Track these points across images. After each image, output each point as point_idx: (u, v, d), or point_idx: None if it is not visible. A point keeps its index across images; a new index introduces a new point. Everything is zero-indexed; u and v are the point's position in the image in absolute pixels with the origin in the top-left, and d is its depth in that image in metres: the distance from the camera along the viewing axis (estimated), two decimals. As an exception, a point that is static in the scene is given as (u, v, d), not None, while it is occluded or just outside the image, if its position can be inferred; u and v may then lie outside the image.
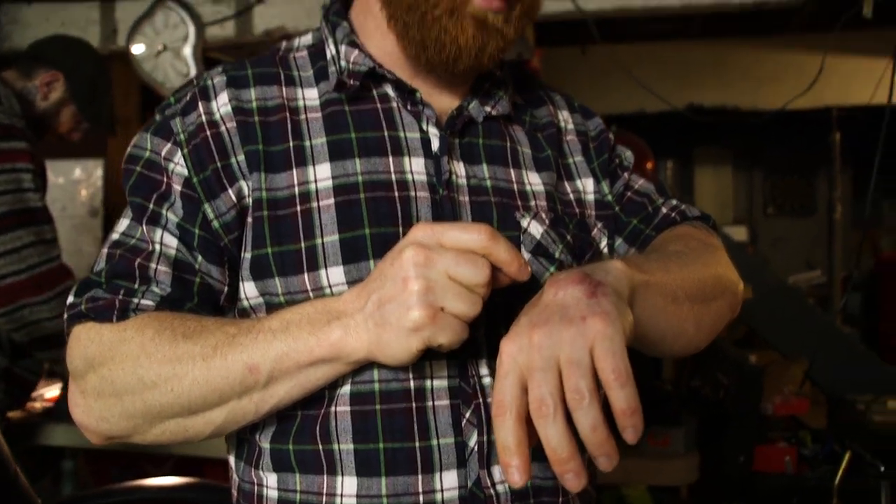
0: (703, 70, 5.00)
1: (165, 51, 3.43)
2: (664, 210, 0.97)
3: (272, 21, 3.37)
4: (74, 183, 3.94)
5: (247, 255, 0.81)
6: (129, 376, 0.73)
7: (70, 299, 0.80)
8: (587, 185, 0.95)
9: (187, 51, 3.40)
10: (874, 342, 6.11)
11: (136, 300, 0.76)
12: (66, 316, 0.80)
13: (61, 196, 3.93)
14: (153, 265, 0.78)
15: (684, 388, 2.68)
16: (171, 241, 0.80)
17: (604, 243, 0.94)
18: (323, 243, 0.78)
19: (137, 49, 3.47)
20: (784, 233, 7.52)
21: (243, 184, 0.81)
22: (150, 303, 0.76)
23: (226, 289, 0.82)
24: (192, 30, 3.39)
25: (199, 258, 0.80)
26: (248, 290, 0.81)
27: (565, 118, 0.98)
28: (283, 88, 0.85)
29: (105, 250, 0.81)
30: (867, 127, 5.87)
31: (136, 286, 0.77)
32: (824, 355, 3.72)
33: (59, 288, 1.91)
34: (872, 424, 2.53)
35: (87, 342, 0.76)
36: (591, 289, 0.62)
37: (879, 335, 6.01)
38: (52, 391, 2.37)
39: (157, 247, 0.79)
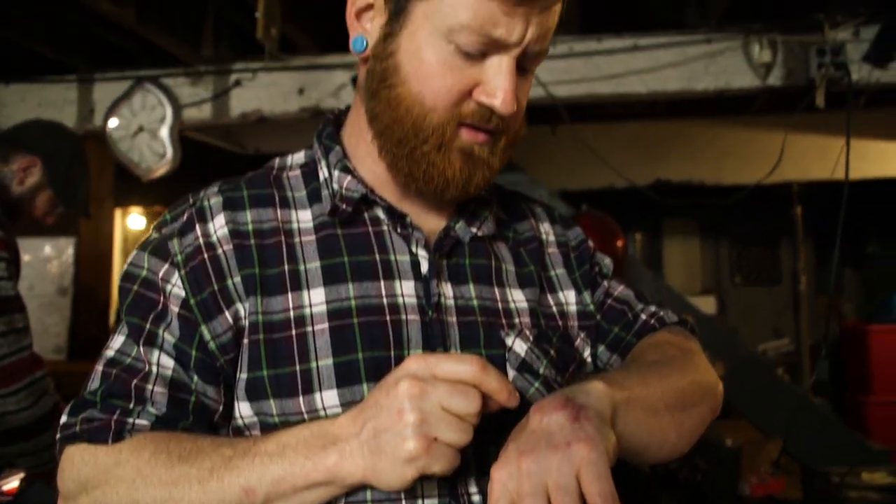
0: (670, 147, 5.17)
1: (142, 131, 3.46)
2: (643, 317, 1.00)
3: (249, 104, 3.43)
4: (44, 261, 3.90)
5: (242, 377, 0.82)
6: (124, 500, 0.73)
7: (63, 419, 0.79)
8: (569, 296, 0.98)
9: (164, 132, 3.43)
10: (842, 410, 6.17)
11: (131, 420, 0.77)
12: (59, 436, 0.79)
13: (30, 274, 3.88)
14: (150, 386, 0.79)
15: (662, 472, 2.68)
16: (168, 362, 0.80)
17: (587, 353, 0.97)
18: (318, 367, 0.80)
19: (114, 129, 3.49)
20: (752, 302, 7.65)
21: (240, 306, 0.82)
22: (145, 423, 0.77)
23: (220, 407, 0.83)
24: (169, 111, 3.44)
25: (196, 378, 0.81)
26: (243, 410, 0.82)
27: (546, 230, 1.03)
28: (279, 211, 0.88)
29: (100, 368, 0.81)
30: (826, 200, 6.09)
31: (132, 406, 0.78)
32: (798, 428, 3.75)
33: (28, 379, 1.87)
34: (848, 501, 2.54)
35: (80, 464, 0.76)
36: (574, 413, 0.65)
37: (846, 402, 6.06)
38: (10, 483, 2.28)
39: (154, 368, 0.80)
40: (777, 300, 7.56)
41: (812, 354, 5.89)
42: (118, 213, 5.63)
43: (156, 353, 0.81)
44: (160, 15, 3.12)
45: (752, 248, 7.76)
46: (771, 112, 4.73)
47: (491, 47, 0.78)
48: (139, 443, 0.75)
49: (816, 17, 3.00)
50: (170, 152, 3.44)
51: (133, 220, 6.65)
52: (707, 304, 5.87)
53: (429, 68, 0.79)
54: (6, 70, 3.66)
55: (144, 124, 3.45)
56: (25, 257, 3.80)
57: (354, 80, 3.23)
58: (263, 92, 3.41)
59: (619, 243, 3.61)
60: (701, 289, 7.56)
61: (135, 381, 0.79)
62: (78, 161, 2.20)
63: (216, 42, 3.40)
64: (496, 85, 0.79)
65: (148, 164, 3.47)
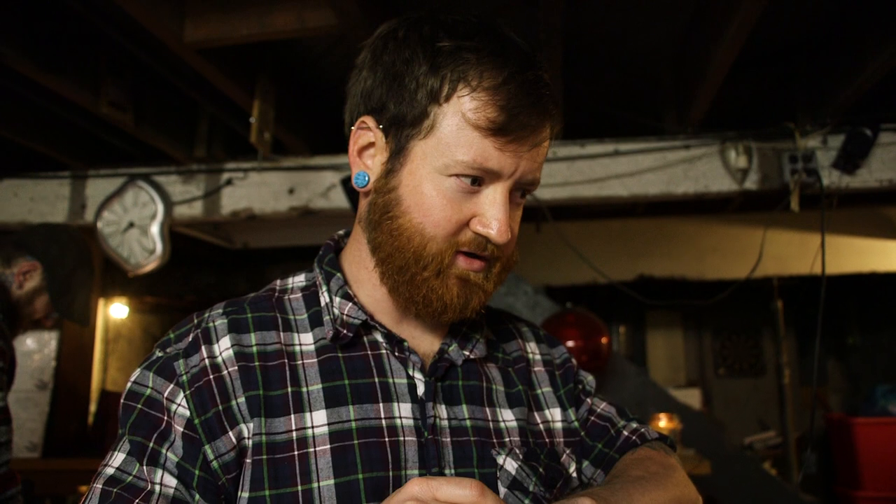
0: (651, 243, 5.28)
1: (133, 227, 3.49)
2: (625, 433, 1.06)
3: (239, 202, 3.48)
4: (25, 355, 3.84)
5: (244, 496, 0.83)
6: None
7: None
8: (555, 414, 1.03)
9: (155, 228, 3.47)
10: (833, 502, 6.09)
11: None
12: None
13: (10, 368, 3.81)
14: None
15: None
16: (171, 481, 0.81)
17: (573, 468, 1.01)
18: (319, 487, 0.82)
19: (105, 225, 3.52)
20: (736, 393, 7.65)
21: (244, 426, 0.84)
22: None
23: None
24: (160, 208, 3.48)
25: (197, 497, 0.82)
26: None
27: (533, 350, 1.08)
28: (281, 334, 0.91)
29: (98, 486, 0.82)
30: (807, 293, 6.18)
31: None
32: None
33: (3, 497, 1.83)
34: None
35: None
36: None
37: (837, 498, 5.99)
38: None
39: (157, 487, 0.81)
40: (762, 392, 7.56)
41: (798, 447, 5.86)
42: (101, 302, 5.60)
43: (159, 472, 0.81)
44: (156, 117, 3.21)
45: (736, 339, 7.82)
46: (749, 210, 4.87)
47: (485, 175, 0.84)
48: None
49: (787, 126, 3.14)
50: (159, 248, 3.47)
51: (115, 310, 6.61)
52: (692, 397, 5.86)
53: (429, 201, 0.85)
54: (0, 166, 3.71)
55: (135, 220, 3.49)
56: (6, 351, 3.76)
57: (343, 182, 3.32)
58: (254, 191, 3.47)
59: (604, 340, 3.65)
60: (686, 381, 7.56)
61: (136, 501, 0.79)
62: (81, 269, 2.21)
63: (209, 143, 3.48)
64: (491, 216, 0.85)
65: (137, 259, 3.49)
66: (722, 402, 7.57)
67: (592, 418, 1.06)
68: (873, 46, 2.63)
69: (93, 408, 4.33)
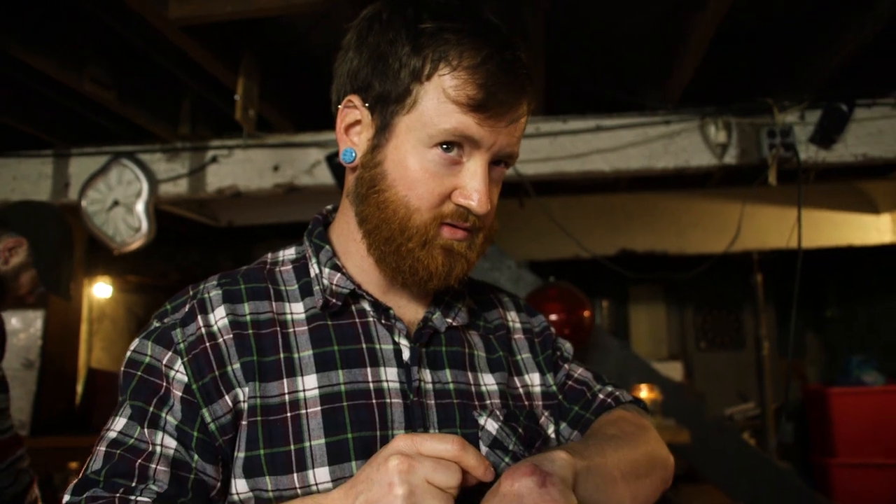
0: (633, 218, 5.35)
1: (117, 206, 3.49)
2: (601, 396, 1.11)
3: (224, 180, 3.49)
4: (11, 334, 3.84)
5: (240, 455, 0.88)
6: None
7: (67, 498, 0.84)
8: (534, 378, 1.09)
9: (140, 206, 3.47)
10: (808, 472, 6.25)
11: (133, 497, 0.81)
12: None
13: (-4, 347, 3.81)
14: (153, 465, 0.84)
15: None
16: (171, 443, 0.86)
17: (551, 429, 1.07)
18: (311, 446, 0.87)
19: (89, 204, 3.52)
20: (717, 366, 7.79)
21: (239, 391, 0.89)
22: (147, 500, 0.82)
23: (218, 484, 0.88)
24: (145, 186, 3.48)
25: (196, 457, 0.86)
26: (240, 487, 0.88)
27: (513, 319, 1.14)
28: (273, 303, 0.96)
29: (102, 449, 0.86)
30: (785, 267, 6.29)
31: (135, 484, 0.83)
32: (765, 493, 3.81)
33: (10, 459, 1.89)
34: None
35: None
36: (542, 479, 0.74)
37: (813, 465, 6.14)
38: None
39: (158, 448, 0.85)
40: (741, 364, 7.70)
41: (776, 417, 5.99)
42: (84, 282, 5.58)
43: (159, 434, 0.86)
44: (140, 95, 3.20)
45: (717, 313, 7.94)
46: (729, 185, 4.94)
47: (465, 143, 0.89)
48: None
49: (766, 101, 3.19)
50: (145, 226, 3.48)
51: (99, 289, 6.59)
52: (674, 370, 5.97)
53: (413, 174, 0.89)
54: (-19, 145, 3.69)
55: (120, 199, 3.49)
56: (-8, 331, 3.77)
57: (328, 159, 3.34)
58: (239, 168, 3.48)
59: (586, 313, 3.71)
60: (668, 354, 7.68)
61: (139, 461, 0.84)
62: (65, 245, 2.24)
63: (193, 121, 3.47)
64: (472, 188, 0.90)
65: (122, 237, 3.49)
66: (703, 375, 7.72)
67: (570, 382, 1.12)
68: (848, 22, 2.68)
69: (80, 387, 4.34)
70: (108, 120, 3.45)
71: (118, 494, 0.81)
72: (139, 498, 0.81)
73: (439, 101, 0.87)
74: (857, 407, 5.68)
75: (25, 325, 3.89)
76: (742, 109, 3.25)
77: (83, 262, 4.11)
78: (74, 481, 0.85)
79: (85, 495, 0.82)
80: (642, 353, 7.25)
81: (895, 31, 2.63)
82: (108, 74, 2.95)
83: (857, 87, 3.18)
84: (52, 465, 3.42)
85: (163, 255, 5.91)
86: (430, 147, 0.89)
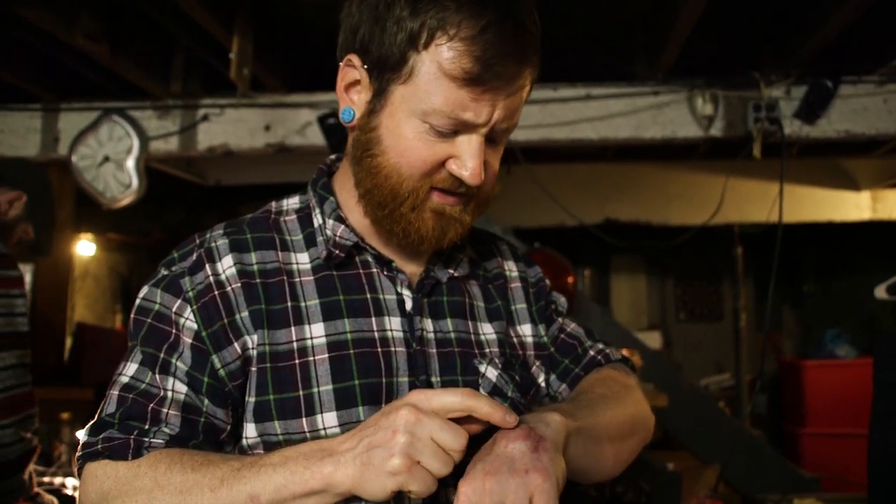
0: (618, 188, 5.40)
1: (108, 162, 3.50)
2: (591, 353, 1.16)
3: (215, 138, 3.50)
4: (0, 287, 3.85)
5: (250, 400, 0.92)
6: None
7: (84, 438, 0.88)
8: (527, 329, 1.13)
9: (130, 163, 3.48)
10: (780, 441, 6.41)
11: (148, 439, 0.86)
12: (79, 454, 0.87)
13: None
14: (165, 409, 0.88)
15: (608, 494, 2.81)
16: (181, 388, 0.90)
17: (541, 379, 1.12)
18: (319, 392, 0.91)
19: (80, 159, 3.52)
20: (695, 337, 7.92)
21: (248, 338, 0.92)
22: (160, 441, 0.86)
23: (228, 427, 0.92)
24: (136, 143, 3.48)
25: (206, 402, 0.90)
26: (249, 431, 0.92)
27: (510, 267, 1.17)
28: (279, 253, 0.99)
29: (115, 393, 0.90)
30: (766, 241, 6.38)
31: (148, 427, 0.87)
32: (736, 458, 3.93)
33: (23, 414, 1.93)
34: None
35: (103, 478, 0.85)
36: (535, 444, 0.78)
37: (784, 435, 6.30)
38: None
39: (169, 393, 0.89)
40: (719, 336, 7.84)
41: (751, 388, 6.13)
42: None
43: (170, 379, 0.90)
44: (132, 50, 3.19)
45: (697, 285, 8.06)
46: (713, 158, 5.00)
47: (461, 127, 0.90)
48: (155, 458, 0.83)
49: (753, 75, 3.24)
50: (135, 183, 3.49)
51: (82, 247, 6.56)
52: (653, 340, 6.08)
53: (406, 143, 0.90)
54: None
55: (111, 155, 3.50)
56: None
57: (320, 119, 3.35)
58: (230, 127, 3.49)
59: (570, 280, 3.77)
60: (647, 325, 7.79)
61: (151, 405, 0.88)
62: (53, 204, 2.29)
63: (185, 78, 3.47)
64: (465, 160, 0.91)
65: (113, 193, 3.51)
66: (681, 346, 7.85)
67: (562, 336, 1.16)
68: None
69: (69, 341, 4.37)
70: (99, 75, 3.43)
71: (132, 436, 0.85)
72: (153, 440, 0.85)
73: (435, 75, 0.86)
74: (828, 379, 5.81)
75: (13, 279, 3.90)
76: (730, 83, 3.29)
77: (72, 219, 4.11)
78: (91, 423, 0.89)
79: (101, 436, 0.86)
80: (623, 322, 7.36)
81: (882, 8, 2.68)
82: (100, 28, 2.94)
83: (843, 63, 3.24)
84: (43, 415, 3.46)
85: (148, 213, 5.89)
86: (423, 121, 0.89)
